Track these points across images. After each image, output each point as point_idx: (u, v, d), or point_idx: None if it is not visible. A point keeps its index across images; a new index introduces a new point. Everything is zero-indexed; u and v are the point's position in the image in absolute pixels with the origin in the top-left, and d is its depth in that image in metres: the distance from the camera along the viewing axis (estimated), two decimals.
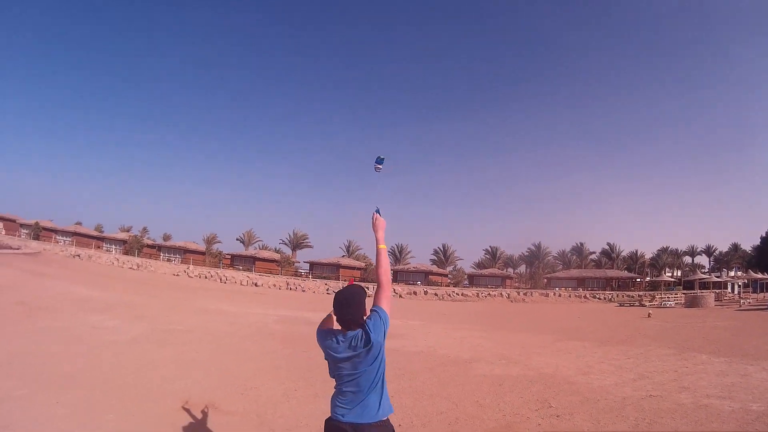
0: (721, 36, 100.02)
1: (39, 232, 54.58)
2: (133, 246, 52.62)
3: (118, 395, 5.59)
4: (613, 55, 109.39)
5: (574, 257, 64.59)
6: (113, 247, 55.63)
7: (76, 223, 61.69)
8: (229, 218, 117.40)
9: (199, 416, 5.02)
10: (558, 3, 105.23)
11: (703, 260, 68.14)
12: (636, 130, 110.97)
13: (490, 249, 67.98)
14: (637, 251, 62.03)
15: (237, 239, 67.17)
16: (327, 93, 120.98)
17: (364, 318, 2.32)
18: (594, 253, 64.88)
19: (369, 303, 2.36)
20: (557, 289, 46.36)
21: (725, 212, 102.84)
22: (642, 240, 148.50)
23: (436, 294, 41.20)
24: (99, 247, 52.24)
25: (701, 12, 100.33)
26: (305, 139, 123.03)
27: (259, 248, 61.99)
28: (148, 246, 56.50)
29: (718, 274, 55.46)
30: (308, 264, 56.32)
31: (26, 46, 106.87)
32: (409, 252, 64.97)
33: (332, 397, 2.37)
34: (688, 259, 66.72)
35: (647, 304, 33.71)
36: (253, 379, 6.99)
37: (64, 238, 54.57)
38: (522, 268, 69.38)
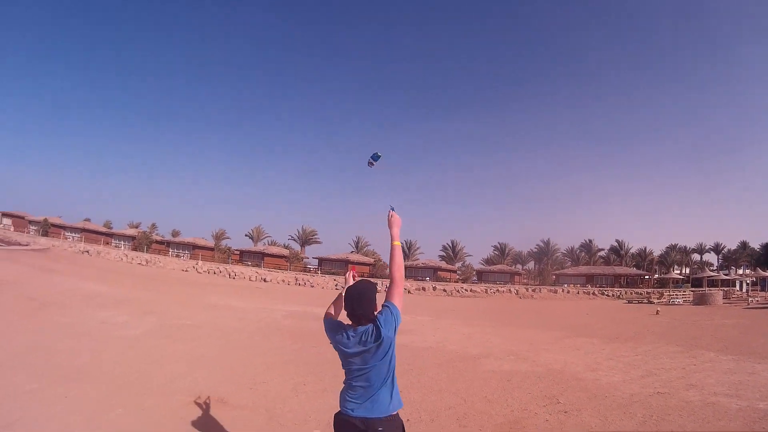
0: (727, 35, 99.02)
1: (48, 229, 54.94)
2: (141, 242, 52.90)
3: (128, 390, 5.64)
4: (624, 55, 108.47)
5: (583, 254, 64.39)
6: (122, 243, 55.96)
7: (85, 220, 62.05)
8: (238, 214, 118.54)
9: (209, 411, 5.05)
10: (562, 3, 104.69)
11: (711, 258, 67.82)
12: (647, 128, 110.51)
13: (498, 245, 68.04)
14: (645, 248, 61.77)
15: (246, 235, 67.51)
16: (336, 91, 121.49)
17: (375, 313, 2.32)
18: (603, 249, 64.76)
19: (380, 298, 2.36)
20: (566, 285, 46.23)
21: (734, 210, 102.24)
22: (650, 237, 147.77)
23: (444, 290, 41.23)
24: (108, 243, 52.71)
25: (702, 12, 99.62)
26: (314, 137, 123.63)
27: (268, 244, 62.23)
28: (157, 242, 56.72)
29: (727, 271, 55.04)
30: (317, 260, 56.37)
31: (29, 43, 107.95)
32: (418, 248, 65.18)
33: (342, 391, 2.38)
34: (696, 257, 66.36)
35: (655, 301, 33.54)
36: (262, 374, 7.04)
37: (73, 235, 55.03)
38: (531, 265, 69.44)
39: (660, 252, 62.48)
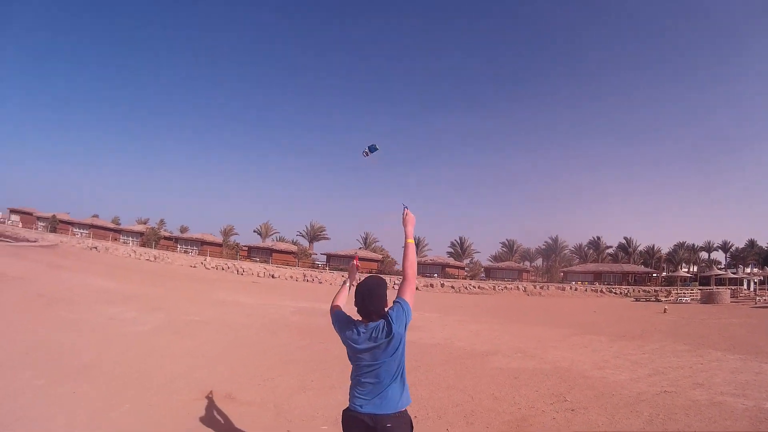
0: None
1: (56, 225, 55.40)
2: (150, 238, 53.22)
3: (135, 386, 5.68)
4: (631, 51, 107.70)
5: (591, 251, 63.99)
6: (130, 239, 56.43)
7: (93, 216, 62.57)
8: (246, 210, 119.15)
9: (216, 407, 5.08)
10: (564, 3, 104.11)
11: (719, 256, 67.24)
12: (661, 124, 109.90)
13: (507, 242, 67.89)
14: (653, 246, 61.40)
15: (254, 231, 67.85)
16: (343, 88, 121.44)
17: (386, 309, 2.32)
18: (611, 247, 64.43)
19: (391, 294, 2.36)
20: (573, 282, 46.05)
21: (742, 208, 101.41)
22: (654, 236, 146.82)
23: (452, 286, 41.29)
24: (116, 240, 53.12)
25: (702, 12, 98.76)
26: (322, 133, 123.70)
27: (276, 240, 62.43)
28: (165, 238, 57.04)
29: (735, 270, 54.65)
30: (325, 256, 56.56)
31: (35, 40, 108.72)
32: (426, 245, 65.06)
33: (350, 387, 2.38)
34: (704, 255, 65.77)
35: (663, 299, 33.36)
36: (270, 370, 7.08)
37: (81, 231, 55.57)
38: (539, 262, 69.10)
39: (668, 250, 62.18)
